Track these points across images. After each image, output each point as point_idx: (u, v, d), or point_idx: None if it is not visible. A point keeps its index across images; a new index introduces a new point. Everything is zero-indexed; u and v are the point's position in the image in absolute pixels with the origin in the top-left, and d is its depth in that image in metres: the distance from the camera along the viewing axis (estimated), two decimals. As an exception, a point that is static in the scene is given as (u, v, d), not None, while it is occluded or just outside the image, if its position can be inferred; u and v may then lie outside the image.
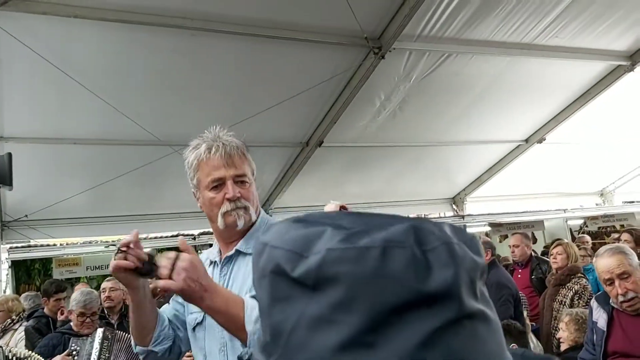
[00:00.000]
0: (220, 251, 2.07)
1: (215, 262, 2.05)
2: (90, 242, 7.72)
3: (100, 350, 4.35)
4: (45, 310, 5.75)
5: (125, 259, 1.76)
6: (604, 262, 3.24)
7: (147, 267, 1.75)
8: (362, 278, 0.52)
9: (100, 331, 4.48)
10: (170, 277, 1.65)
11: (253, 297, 1.75)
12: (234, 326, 1.70)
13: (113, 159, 6.52)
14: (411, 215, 0.61)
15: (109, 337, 4.46)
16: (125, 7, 4.71)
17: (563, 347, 4.29)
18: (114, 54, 5.20)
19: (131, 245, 1.77)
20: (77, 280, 7.87)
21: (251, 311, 1.68)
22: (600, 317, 3.36)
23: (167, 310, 2.11)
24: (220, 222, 1.95)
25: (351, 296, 0.52)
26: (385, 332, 0.51)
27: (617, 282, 3.16)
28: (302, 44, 5.54)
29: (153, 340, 1.97)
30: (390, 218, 0.58)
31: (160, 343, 1.98)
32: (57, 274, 8.08)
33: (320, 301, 0.53)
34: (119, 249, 1.79)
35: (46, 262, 10.14)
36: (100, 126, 5.98)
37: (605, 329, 3.30)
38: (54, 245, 7.49)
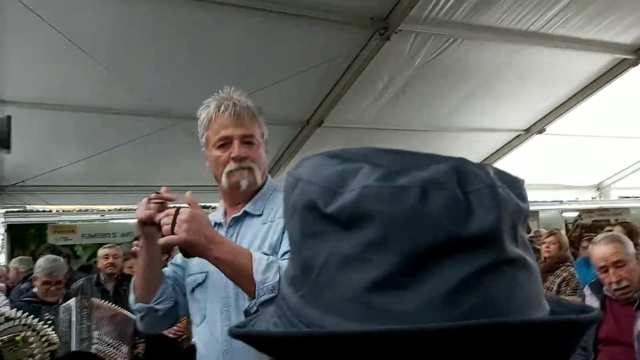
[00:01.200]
0: (226, 213, 2.06)
1: (220, 223, 2.03)
2: (86, 210, 7.72)
3: (81, 318, 4.27)
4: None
5: (162, 210, 1.79)
6: (600, 250, 3.26)
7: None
8: (399, 218, 0.50)
9: (75, 300, 4.35)
10: (172, 232, 1.66)
11: (263, 254, 1.77)
12: (242, 277, 1.70)
13: (113, 128, 6.47)
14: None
15: (87, 304, 4.34)
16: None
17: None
18: (119, 22, 5.15)
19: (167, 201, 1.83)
20: (72, 247, 7.87)
21: (259, 263, 1.69)
22: (592, 305, 3.39)
23: (166, 272, 2.09)
24: (224, 181, 1.95)
25: (386, 236, 0.50)
26: (419, 274, 0.49)
27: (611, 270, 3.18)
28: (307, 20, 5.48)
29: (156, 298, 1.96)
30: (431, 157, 0.55)
31: (163, 302, 1.98)
32: (52, 240, 8.09)
33: (352, 239, 0.51)
34: (155, 200, 1.84)
35: (41, 228, 10.14)
36: (102, 95, 5.94)
37: (596, 317, 3.32)
38: (50, 211, 7.49)
